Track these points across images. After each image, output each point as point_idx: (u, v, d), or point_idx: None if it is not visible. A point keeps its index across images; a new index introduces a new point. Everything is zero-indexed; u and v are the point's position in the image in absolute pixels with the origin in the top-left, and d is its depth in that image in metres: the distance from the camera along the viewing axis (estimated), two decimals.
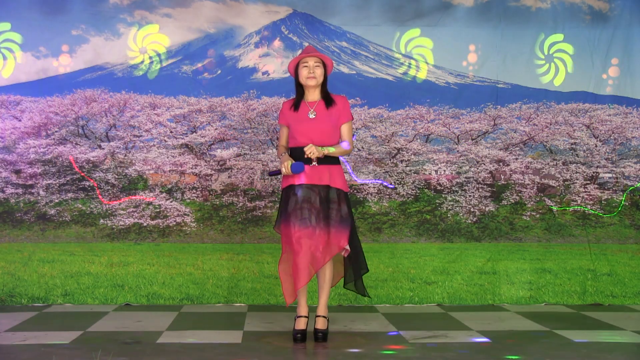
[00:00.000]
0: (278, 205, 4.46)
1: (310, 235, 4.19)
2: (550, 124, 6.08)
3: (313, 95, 4.39)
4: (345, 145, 4.36)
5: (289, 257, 4.26)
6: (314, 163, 4.26)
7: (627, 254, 6.03)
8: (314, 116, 4.33)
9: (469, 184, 6.02)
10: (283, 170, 4.24)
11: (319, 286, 4.36)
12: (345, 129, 4.40)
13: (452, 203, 6.02)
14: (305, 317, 4.33)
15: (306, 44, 5.50)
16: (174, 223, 5.88)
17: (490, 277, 5.89)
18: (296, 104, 4.40)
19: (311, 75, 4.33)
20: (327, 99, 4.38)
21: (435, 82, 6.15)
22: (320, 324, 4.33)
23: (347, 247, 4.31)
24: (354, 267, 4.44)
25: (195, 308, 5.50)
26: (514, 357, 3.96)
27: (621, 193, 6.08)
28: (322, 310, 4.34)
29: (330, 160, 4.32)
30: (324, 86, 4.41)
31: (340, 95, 4.48)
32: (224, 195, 5.93)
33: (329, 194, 4.29)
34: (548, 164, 6.08)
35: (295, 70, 4.41)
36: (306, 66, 4.34)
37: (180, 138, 5.92)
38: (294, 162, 4.23)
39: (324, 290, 4.35)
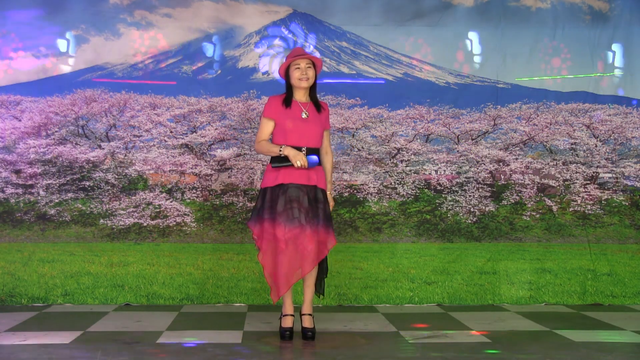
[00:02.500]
0: (256, 201, 4.37)
1: (299, 236, 4.19)
2: (550, 124, 6.08)
3: (303, 96, 4.39)
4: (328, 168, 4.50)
5: (269, 255, 4.23)
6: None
7: (627, 254, 6.03)
8: (306, 116, 4.33)
9: (469, 184, 6.02)
10: (298, 163, 4.20)
11: (305, 285, 4.36)
12: (326, 135, 4.46)
13: (452, 203, 6.02)
14: (292, 315, 4.36)
15: (306, 44, 5.51)
16: (174, 223, 5.88)
17: (490, 277, 5.89)
18: (287, 101, 4.37)
19: (304, 77, 4.32)
20: (316, 103, 4.40)
21: (435, 82, 6.15)
22: (308, 323, 4.35)
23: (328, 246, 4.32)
24: (319, 269, 4.40)
25: (195, 308, 5.50)
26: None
27: (621, 193, 6.09)
28: (308, 308, 4.36)
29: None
30: (313, 88, 4.41)
31: (325, 102, 4.53)
32: (224, 195, 5.93)
33: (316, 194, 4.30)
34: (548, 164, 6.08)
35: (286, 72, 4.39)
36: (298, 68, 4.33)
37: (180, 138, 5.92)
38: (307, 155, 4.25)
39: (310, 288, 4.36)
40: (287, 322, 4.34)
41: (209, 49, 6.01)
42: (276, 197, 4.26)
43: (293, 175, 4.26)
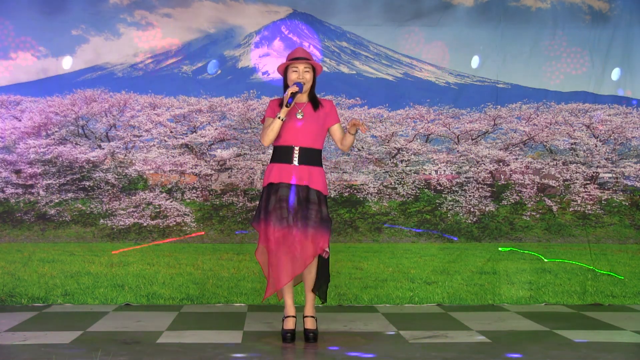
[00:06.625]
0: (258, 201, 4.41)
1: (287, 236, 4.20)
2: (550, 124, 6.08)
3: (300, 97, 4.38)
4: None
5: (265, 250, 4.27)
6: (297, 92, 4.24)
7: (627, 254, 6.03)
8: (301, 117, 4.33)
9: (469, 184, 6.02)
10: (289, 92, 4.20)
11: (306, 287, 4.36)
12: (338, 129, 4.41)
13: (452, 203, 6.02)
14: (294, 317, 4.35)
15: (306, 44, 5.50)
16: (174, 223, 5.88)
17: (490, 277, 5.89)
18: (283, 102, 4.35)
19: (300, 80, 4.31)
20: (314, 102, 4.38)
21: (435, 82, 6.15)
22: (310, 324, 4.33)
23: (327, 249, 4.29)
24: (318, 275, 4.36)
25: (195, 308, 5.50)
26: (515, 356, 3.97)
27: (621, 193, 6.09)
28: (310, 310, 4.35)
29: (311, 162, 4.32)
30: (312, 89, 4.41)
31: (327, 99, 4.52)
32: (224, 195, 5.93)
33: (308, 195, 4.28)
34: (548, 164, 6.08)
35: (285, 71, 4.40)
36: (295, 71, 4.32)
37: (180, 138, 5.92)
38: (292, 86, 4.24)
39: (310, 290, 4.35)
40: (289, 324, 4.33)
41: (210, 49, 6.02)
42: (268, 196, 4.28)
43: (283, 174, 4.27)
